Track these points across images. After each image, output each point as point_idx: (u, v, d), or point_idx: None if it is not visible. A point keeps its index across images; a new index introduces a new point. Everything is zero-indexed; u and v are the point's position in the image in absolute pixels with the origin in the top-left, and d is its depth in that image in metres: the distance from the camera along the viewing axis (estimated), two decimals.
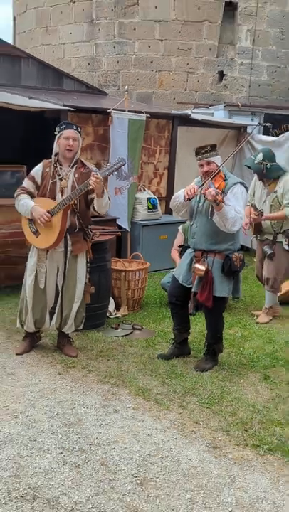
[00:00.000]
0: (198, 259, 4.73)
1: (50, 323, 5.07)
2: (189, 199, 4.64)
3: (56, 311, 5.02)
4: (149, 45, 12.34)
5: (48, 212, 4.63)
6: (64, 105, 7.26)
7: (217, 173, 4.61)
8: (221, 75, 12.54)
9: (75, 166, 4.81)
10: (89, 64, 12.80)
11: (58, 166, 4.79)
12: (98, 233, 5.83)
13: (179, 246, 5.08)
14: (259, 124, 10.64)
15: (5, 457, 3.47)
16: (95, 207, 4.76)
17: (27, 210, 4.72)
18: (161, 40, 12.29)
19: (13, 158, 7.38)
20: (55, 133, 4.78)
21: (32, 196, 4.80)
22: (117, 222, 7.62)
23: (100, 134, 7.73)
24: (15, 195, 4.86)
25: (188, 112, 9.60)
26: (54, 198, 4.73)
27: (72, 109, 7.25)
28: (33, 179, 4.84)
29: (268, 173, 6.13)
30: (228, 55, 12.53)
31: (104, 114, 7.63)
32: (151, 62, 12.38)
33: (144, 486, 3.28)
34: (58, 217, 4.65)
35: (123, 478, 3.34)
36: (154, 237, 7.71)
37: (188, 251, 4.93)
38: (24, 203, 4.74)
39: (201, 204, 4.70)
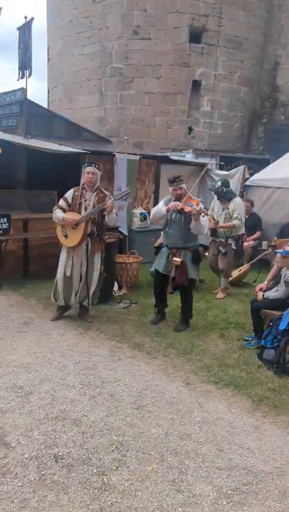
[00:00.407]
0: (175, 254, 4.70)
1: (75, 299, 5.02)
2: (171, 211, 4.62)
3: (79, 291, 4.97)
4: (141, 109, 12.27)
5: (76, 222, 4.67)
6: (83, 149, 7.17)
7: (186, 195, 4.66)
8: (190, 129, 12.47)
9: (96, 192, 4.81)
10: (99, 121, 12.69)
11: (84, 192, 4.80)
12: (107, 237, 5.79)
13: (155, 247, 5.02)
14: (216, 163, 10.63)
15: (43, 391, 3.42)
16: (106, 221, 4.81)
17: (60, 218, 4.74)
18: (149, 106, 12.23)
19: (47, 186, 7.32)
20: (82, 169, 4.83)
21: (64, 211, 4.79)
22: (119, 229, 7.53)
23: (108, 169, 7.64)
24: (53, 209, 4.88)
25: (168, 154, 9.54)
26: (80, 213, 4.74)
27: (88, 152, 7.17)
28: (65, 199, 4.84)
29: (225, 195, 6.19)
30: (195, 116, 12.46)
31: (110, 155, 7.54)
32: (143, 120, 12.31)
33: (140, 410, 3.25)
34: (82, 226, 4.68)
35: (125, 405, 3.30)
36: (145, 240, 7.63)
37: (164, 250, 4.84)
38: (58, 214, 4.76)
39: (174, 216, 4.67)
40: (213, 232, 6.28)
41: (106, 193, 4.87)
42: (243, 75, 12.76)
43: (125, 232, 7.71)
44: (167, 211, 4.61)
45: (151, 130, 12.36)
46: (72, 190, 4.87)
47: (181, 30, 11.77)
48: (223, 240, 6.28)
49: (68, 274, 4.84)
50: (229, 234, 6.27)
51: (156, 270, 4.91)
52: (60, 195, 5.08)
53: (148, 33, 11.80)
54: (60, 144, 7.40)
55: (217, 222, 6.19)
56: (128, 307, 5.58)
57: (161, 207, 4.72)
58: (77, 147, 7.31)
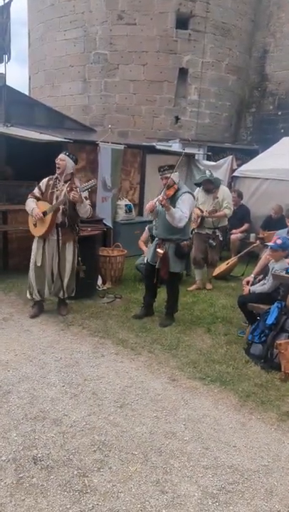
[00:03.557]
0: (159, 245, 4.67)
1: (49, 292, 4.95)
2: (151, 212, 4.60)
3: (54, 283, 4.91)
4: (126, 97, 12.10)
5: (43, 213, 4.62)
6: (65, 138, 7.05)
7: (171, 186, 4.62)
8: (177, 118, 12.36)
9: (69, 182, 4.72)
10: (83, 110, 12.50)
11: (57, 181, 4.74)
12: (89, 229, 5.72)
13: (150, 235, 5.01)
14: (204, 154, 10.59)
15: (22, 390, 3.35)
16: (78, 211, 4.74)
17: (29, 210, 4.72)
18: (135, 94, 12.07)
19: (28, 176, 7.17)
20: None
21: (38, 199, 4.74)
22: (104, 221, 7.46)
23: (91, 159, 7.54)
24: (28, 197, 4.85)
25: (154, 144, 9.46)
26: (51, 203, 4.68)
27: (70, 141, 7.04)
28: (40, 188, 4.81)
29: (215, 182, 6.21)
30: (182, 105, 12.34)
31: (94, 145, 7.43)
32: (128, 109, 12.15)
33: (123, 408, 3.20)
34: (49, 217, 4.64)
35: (108, 403, 3.26)
36: (130, 232, 7.55)
37: (155, 240, 4.83)
38: (30, 204, 4.73)
39: (160, 207, 4.62)
40: (201, 223, 6.27)
41: (78, 184, 4.79)
42: (231, 63, 12.69)
43: (110, 224, 7.64)
44: (146, 213, 4.63)
45: (136, 119, 12.23)
46: (46, 178, 4.83)
47: (167, 15, 11.62)
48: (210, 232, 6.28)
49: (39, 264, 4.79)
50: (217, 224, 6.29)
51: (146, 262, 4.92)
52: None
53: (133, 18, 11.62)
54: (41, 133, 7.26)
55: (213, 211, 6.18)
56: (112, 302, 5.52)
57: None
58: (59, 136, 7.18)
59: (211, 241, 6.28)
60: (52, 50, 12.81)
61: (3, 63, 7.76)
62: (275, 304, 4.08)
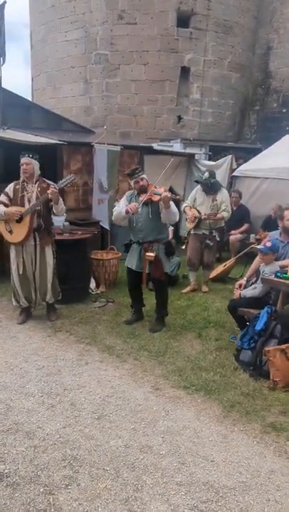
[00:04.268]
0: (147, 248, 4.53)
1: (36, 297, 4.85)
2: (133, 214, 4.45)
3: (37, 288, 4.80)
4: (128, 97, 11.97)
5: (20, 215, 4.48)
6: (59, 140, 6.97)
7: (150, 185, 4.56)
8: (179, 118, 12.19)
9: (38, 183, 4.61)
10: (85, 111, 12.42)
11: (25, 184, 4.60)
12: (80, 232, 5.62)
13: (124, 244, 4.83)
14: (205, 153, 10.44)
15: None
16: (54, 211, 4.61)
17: (1, 214, 4.52)
18: (136, 94, 11.94)
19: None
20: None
21: (6, 206, 4.57)
22: (100, 224, 7.37)
23: (87, 161, 7.45)
24: None
25: (153, 144, 9.33)
26: (23, 206, 4.55)
27: (65, 143, 6.97)
28: (6, 194, 4.62)
29: (212, 187, 6.05)
30: (184, 104, 12.17)
31: (90, 146, 7.34)
32: (129, 109, 12.02)
33: (100, 420, 3.10)
34: (27, 219, 4.51)
35: (85, 414, 3.15)
36: (127, 235, 7.46)
37: (134, 246, 4.66)
38: (1, 209, 4.53)
39: (140, 210, 4.46)
40: (197, 223, 6.15)
41: (48, 182, 4.68)
42: (234, 61, 12.48)
43: (107, 226, 7.53)
44: (126, 213, 4.43)
45: (138, 119, 12.10)
46: (12, 184, 4.66)
47: (168, 13, 11.46)
48: (207, 232, 6.17)
49: (21, 272, 4.68)
50: (214, 226, 6.18)
51: (128, 268, 4.75)
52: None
53: (134, 18, 11.50)
54: (36, 135, 7.19)
55: (199, 213, 6.06)
56: (104, 306, 5.42)
57: (123, 205, 4.54)
58: (54, 138, 7.10)
59: (208, 241, 6.17)
60: (53, 52, 12.76)
61: None
62: (265, 308, 3.93)
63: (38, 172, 4.61)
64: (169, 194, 4.34)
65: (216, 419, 3.16)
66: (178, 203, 5.16)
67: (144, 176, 4.57)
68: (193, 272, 6.31)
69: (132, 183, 4.62)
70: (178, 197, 4.54)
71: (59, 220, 6.29)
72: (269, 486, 2.53)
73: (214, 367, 3.92)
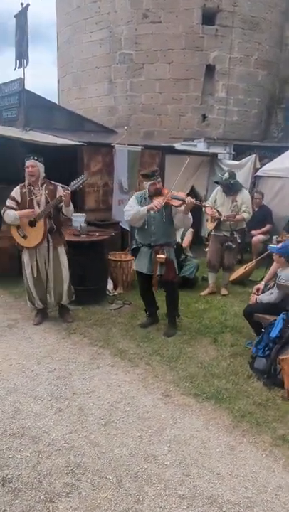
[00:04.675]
0: (158, 251, 4.48)
1: (51, 299, 4.86)
2: (155, 212, 4.40)
3: (52, 290, 4.80)
4: (152, 96, 11.92)
5: (34, 218, 4.48)
6: (79, 141, 6.98)
7: (164, 189, 4.58)
8: (204, 117, 12.05)
9: (44, 185, 4.59)
10: (109, 111, 12.44)
11: (32, 187, 4.58)
12: (97, 234, 5.61)
13: (132, 249, 4.79)
14: (230, 153, 10.26)
15: (8, 403, 3.29)
16: (64, 212, 4.60)
17: (15, 217, 4.51)
18: (160, 93, 11.86)
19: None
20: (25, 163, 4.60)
21: (14, 211, 4.56)
22: (120, 224, 7.35)
23: (107, 162, 7.44)
24: (2, 211, 4.62)
25: (176, 144, 9.23)
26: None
27: (84, 144, 6.97)
28: (13, 198, 4.58)
29: (232, 187, 5.92)
30: (209, 103, 12.01)
31: (110, 147, 7.32)
32: (154, 108, 11.96)
33: (107, 426, 3.07)
34: (41, 222, 4.50)
35: (92, 420, 3.13)
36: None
37: (144, 249, 4.60)
38: (12, 213, 4.52)
39: (153, 212, 4.41)
40: (217, 225, 6.05)
41: (55, 184, 4.67)
42: (260, 58, 12.21)
43: (127, 227, 7.49)
44: (149, 211, 4.38)
45: (162, 118, 12.02)
46: (17, 187, 4.62)
47: (193, 11, 11.33)
48: (227, 234, 6.05)
49: (35, 275, 4.68)
50: (235, 227, 6.05)
51: (138, 272, 4.70)
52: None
53: (158, 16, 11.42)
54: (57, 136, 7.23)
55: (219, 214, 5.96)
56: (120, 308, 5.39)
57: (135, 205, 4.49)
58: (75, 139, 7.12)
59: (229, 243, 6.05)
60: (78, 53, 12.83)
61: (22, 68, 7.78)
62: (281, 315, 3.80)
63: (43, 174, 4.60)
64: (193, 200, 4.35)
65: (225, 429, 3.07)
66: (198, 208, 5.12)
67: (159, 179, 4.54)
68: (212, 274, 6.21)
69: (147, 184, 4.55)
70: (203, 204, 4.51)
71: (78, 221, 6.32)
72: (275, 503, 2.43)
73: (227, 374, 3.82)
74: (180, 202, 4.41)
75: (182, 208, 4.39)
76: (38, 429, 3.00)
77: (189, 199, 4.36)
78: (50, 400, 3.34)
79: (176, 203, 4.42)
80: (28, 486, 2.48)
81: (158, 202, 4.36)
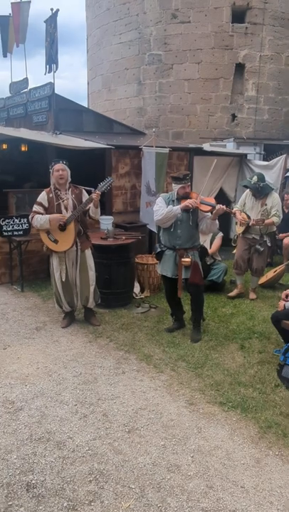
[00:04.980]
0: (182, 254, 4.45)
1: (77, 302, 4.91)
2: (189, 211, 4.38)
3: (79, 293, 4.84)
4: (181, 97, 11.84)
5: (64, 222, 4.51)
6: (107, 144, 7.01)
7: (192, 193, 4.57)
8: (233, 116, 11.88)
9: (70, 189, 4.63)
10: (138, 112, 12.45)
11: (58, 192, 4.62)
12: (124, 237, 5.62)
13: (156, 253, 4.76)
14: (260, 153, 10.07)
15: (34, 407, 3.33)
16: (92, 215, 4.64)
17: (45, 221, 4.54)
18: (189, 93, 11.77)
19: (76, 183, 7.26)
20: (50, 169, 4.63)
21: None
22: (148, 227, 7.34)
23: (135, 164, 7.44)
24: (30, 217, 4.67)
25: (204, 145, 9.14)
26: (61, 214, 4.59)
27: (112, 147, 7.00)
28: (41, 204, 4.62)
29: (262, 190, 5.78)
30: (239, 102, 11.83)
31: (138, 149, 7.32)
32: (182, 109, 11.89)
33: (131, 433, 3.06)
34: (71, 226, 4.54)
35: (116, 427, 3.13)
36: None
37: (168, 252, 4.57)
38: (41, 218, 4.56)
39: (180, 215, 4.40)
40: (246, 228, 5.94)
41: (80, 187, 4.70)
42: None
43: (154, 230, 7.47)
44: (184, 210, 4.34)
45: (191, 119, 11.92)
46: (43, 193, 4.65)
47: (222, 10, 11.18)
48: (257, 237, 5.93)
49: (64, 279, 4.72)
50: (265, 231, 5.92)
51: (163, 276, 4.67)
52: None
53: (187, 16, 11.34)
54: (86, 139, 7.29)
55: (262, 220, 5.84)
56: (146, 312, 5.38)
57: (164, 206, 4.46)
58: (103, 142, 7.15)
59: (258, 246, 5.93)
60: (108, 54, 12.90)
61: (52, 72, 7.89)
62: None
63: (69, 179, 4.64)
64: (224, 207, 4.34)
65: (250, 440, 3.01)
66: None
67: (189, 183, 4.51)
68: (240, 276, 6.12)
69: (177, 187, 4.52)
70: (233, 211, 4.46)
71: (105, 223, 6.36)
72: None
73: (254, 382, 3.75)
74: (209, 208, 4.39)
75: (210, 214, 4.37)
76: (62, 434, 3.02)
77: (219, 206, 4.32)
78: (76, 405, 3.36)
79: (205, 208, 4.39)
80: (52, 493, 2.50)
81: (193, 200, 4.34)
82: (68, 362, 4.08)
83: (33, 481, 2.58)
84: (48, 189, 4.65)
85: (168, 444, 2.95)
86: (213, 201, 4.52)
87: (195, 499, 2.49)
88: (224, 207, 4.36)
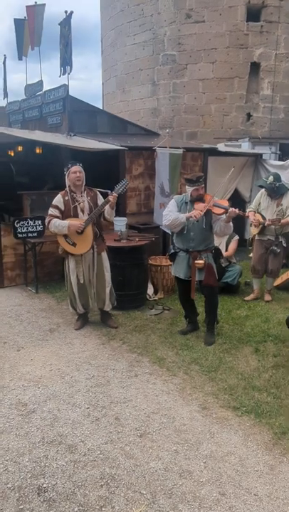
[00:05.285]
0: (196, 256, 4.41)
1: (93, 304, 4.91)
2: (197, 221, 4.33)
3: (95, 296, 4.84)
4: (195, 97, 11.78)
5: (82, 229, 4.51)
6: (121, 145, 7.00)
7: (206, 195, 4.52)
8: (249, 116, 11.77)
9: (86, 192, 4.62)
10: (152, 113, 12.42)
11: (74, 194, 4.61)
12: (137, 239, 5.60)
13: (170, 254, 4.72)
14: (276, 153, 9.94)
15: (47, 410, 3.33)
16: (107, 216, 4.63)
17: (64, 227, 4.52)
18: (204, 93, 11.70)
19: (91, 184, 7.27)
20: (65, 172, 4.61)
21: (58, 219, 4.58)
22: (161, 228, 7.30)
23: (149, 165, 7.41)
24: (46, 221, 4.65)
25: (219, 145, 9.07)
26: (77, 217, 4.58)
27: (126, 148, 6.98)
28: (57, 207, 4.60)
29: (277, 190, 5.71)
30: (254, 101, 11.71)
31: (152, 150, 7.29)
32: (197, 109, 11.82)
33: (143, 438, 3.03)
34: (89, 229, 4.54)
35: (128, 431, 3.10)
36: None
37: (182, 254, 4.53)
38: (59, 223, 4.54)
39: (192, 219, 4.34)
40: (261, 229, 5.86)
41: (94, 189, 4.69)
42: None
43: (168, 231, 7.45)
44: (188, 219, 4.31)
45: (206, 119, 11.84)
46: (59, 196, 4.64)
47: (237, 8, 11.08)
48: (272, 238, 5.86)
49: (81, 281, 4.72)
50: (280, 231, 5.84)
51: (177, 278, 4.64)
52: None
53: (202, 16, 11.27)
54: (99, 141, 7.29)
55: (264, 218, 5.78)
56: (159, 314, 5.35)
57: (174, 210, 4.43)
58: (117, 143, 7.14)
59: (274, 247, 5.86)
60: (122, 56, 12.90)
61: (66, 74, 7.91)
62: None
63: (84, 181, 4.64)
64: (236, 210, 4.28)
65: (264, 446, 2.96)
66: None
67: (203, 184, 4.46)
68: (257, 280, 6.04)
69: (190, 189, 4.48)
70: (247, 214, 4.40)
71: (119, 225, 6.35)
72: None
73: (268, 387, 3.68)
74: (222, 210, 4.34)
75: (224, 216, 4.32)
76: (74, 437, 3.01)
77: (232, 209, 4.27)
78: (88, 408, 3.35)
79: (218, 211, 4.34)
80: (63, 497, 2.49)
81: (198, 212, 4.29)
82: (81, 364, 4.07)
83: (45, 485, 2.58)
84: (64, 192, 4.64)
85: (180, 449, 2.92)
86: (226, 204, 4.47)
87: (207, 506, 2.45)
88: (236, 210, 4.30)
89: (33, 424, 3.14)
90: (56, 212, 4.58)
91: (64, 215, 4.58)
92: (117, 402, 3.44)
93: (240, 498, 2.51)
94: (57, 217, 4.57)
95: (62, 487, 2.57)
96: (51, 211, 4.61)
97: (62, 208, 4.59)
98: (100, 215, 4.63)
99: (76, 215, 4.57)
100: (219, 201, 4.52)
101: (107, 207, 4.54)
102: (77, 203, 4.58)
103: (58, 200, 4.62)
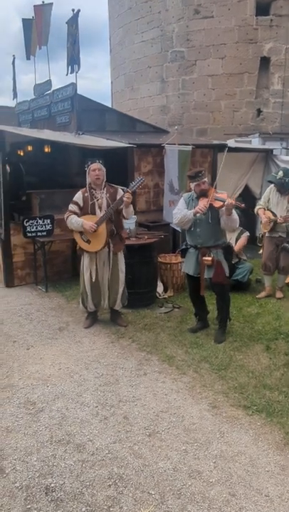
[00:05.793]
0: (204, 253, 4.36)
1: (104, 303, 4.87)
2: (204, 214, 4.28)
3: (107, 294, 4.80)
4: (204, 93, 11.68)
5: (95, 223, 4.47)
6: (129, 143, 6.96)
7: (210, 189, 4.40)
8: (259, 111, 11.64)
9: (105, 189, 4.59)
10: (161, 110, 12.36)
11: (93, 191, 4.60)
12: (146, 237, 5.56)
13: (180, 250, 4.68)
14: (287, 148, 9.81)
15: (55, 408, 3.31)
16: (125, 214, 4.58)
17: (79, 224, 4.52)
18: (213, 89, 11.60)
19: None
20: (86, 168, 4.61)
21: (77, 215, 4.59)
22: (171, 225, 7.24)
23: (158, 162, 7.36)
24: (65, 216, 4.65)
25: (228, 141, 8.97)
26: (94, 214, 4.56)
27: (134, 145, 6.94)
28: (76, 203, 4.63)
29: (287, 186, 5.65)
30: (264, 96, 11.57)
31: (161, 147, 7.24)
32: (206, 105, 11.72)
33: (152, 437, 2.99)
34: (103, 227, 4.50)
35: (137, 430, 3.07)
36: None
37: (191, 250, 4.49)
38: (75, 220, 4.55)
39: (199, 215, 4.30)
40: (272, 226, 5.78)
41: (115, 186, 4.66)
42: None
43: (178, 228, 7.38)
44: (195, 214, 4.26)
45: (215, 115, 11.74)
46: (80, 192, 4.67)
47: (246, 3, 10.94)
48: (283, 235, 5.78)
49: (94, 279, 4.69)
50: None
51: (187, 275, 4.59)
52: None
53: (210, 11, 11.16)
54: (108, 139, 7.26)
55: (274, 215, 5.69)
56: (169, 312, 5.30)
57: (183, 208, 4.39)
58: (125, 141, 7.10)
59: (285, 244, 5.78)
60: (130, 53, 12.85)
61: (74, 73, 7.90)
62: None
63: (105, 178, 4.62)
64: (232, 202, 4.20)
65: (275, 446, 2.90)
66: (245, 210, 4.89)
67: (205, 179, 4.40)
68: (268, 277, 5.96)
69: (192, 185, 4.44)
70: (242, 206, 4.30)
71: (129, 223, 6.31)
72: None
73: (280, 385, 3.62)
74: (221, 203, 4.26)
75: (224, 209, 4.24)
76: (83, 436, 2.99)
77: (228, 200, 4.19)
78: (96, 407, 3.33)
79: (217, 204, 4.28)
80: (71, 497, 2.47)
81: (202, 205, 4.25)
82: (90, 363, 4.05)
83: (52, 485, 2.55)
84: (84, 189, 4.67)
85: (189, 448, 2.88)
86: (225, 196, 4.36)
87: (217, 507, 2.40)
88: (233, 201, 4.21)
89: (42, 423, 3.12)
90: (75, 209, 4.61)
91: (82, 211, 4.60)
92: (125, 401, 3.41)
93: (251, 499, 2.46)
94: (76, 213, 4.59)
95: (70, 487, 2.54)
96: (71, 207, 4.65)
97: (82, 204, 4.61)
98: (120, 213, 4.60)
99: (94, 212, 4.57)
100: (219, 194, 4.41)
101: (123, 206, 4.51)
102: (95, 200, 4.58)
103: (78, 196, 4.66)
